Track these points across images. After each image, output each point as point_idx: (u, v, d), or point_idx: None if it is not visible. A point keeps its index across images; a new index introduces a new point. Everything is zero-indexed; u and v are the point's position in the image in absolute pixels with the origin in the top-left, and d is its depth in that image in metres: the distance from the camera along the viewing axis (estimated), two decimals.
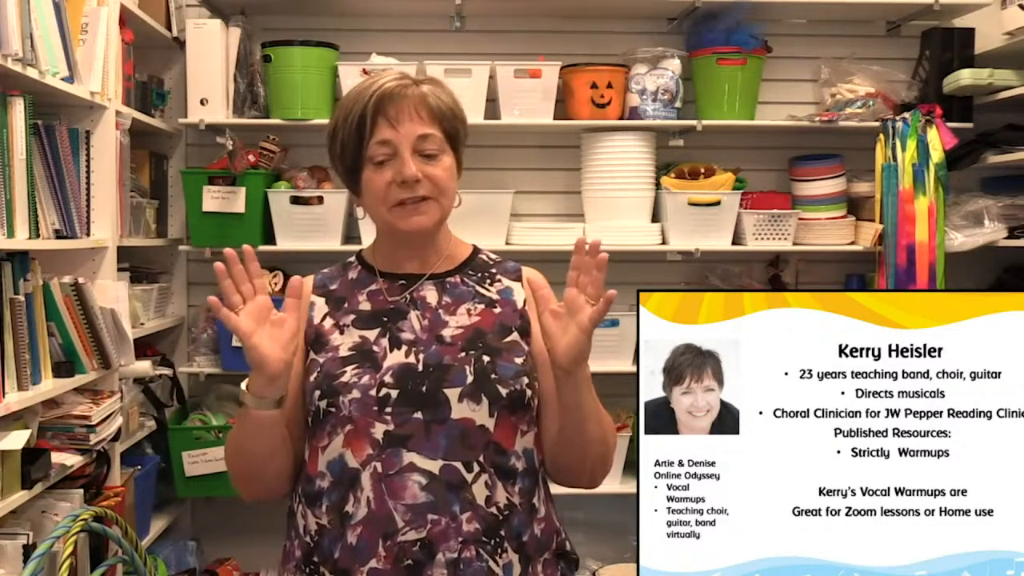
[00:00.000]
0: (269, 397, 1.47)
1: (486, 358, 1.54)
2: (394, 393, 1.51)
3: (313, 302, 1.63)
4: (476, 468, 1.51)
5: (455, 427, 1.50)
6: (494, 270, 1.67)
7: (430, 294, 1.61)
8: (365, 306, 1.61)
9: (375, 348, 1.56)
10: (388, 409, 1.50)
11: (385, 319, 1.58)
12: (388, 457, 1.49)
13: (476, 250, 1.71)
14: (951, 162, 3.20)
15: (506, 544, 1.52)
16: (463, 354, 1.54)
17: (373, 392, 1.51)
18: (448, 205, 1.59)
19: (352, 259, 1.70)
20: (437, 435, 1.50)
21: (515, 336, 1.58)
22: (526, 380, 1.55)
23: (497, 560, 1.51)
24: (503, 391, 1.52)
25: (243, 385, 1.48)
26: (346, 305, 1.62)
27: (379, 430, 1.50)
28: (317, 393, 1.53)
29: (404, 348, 1.55)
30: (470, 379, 1.52)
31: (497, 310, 1.60)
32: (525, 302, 1.63)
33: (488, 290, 1.63)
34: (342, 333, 1.58)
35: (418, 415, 1.50)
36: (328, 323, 1.60)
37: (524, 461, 1.57)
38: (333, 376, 1.53)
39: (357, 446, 1.51)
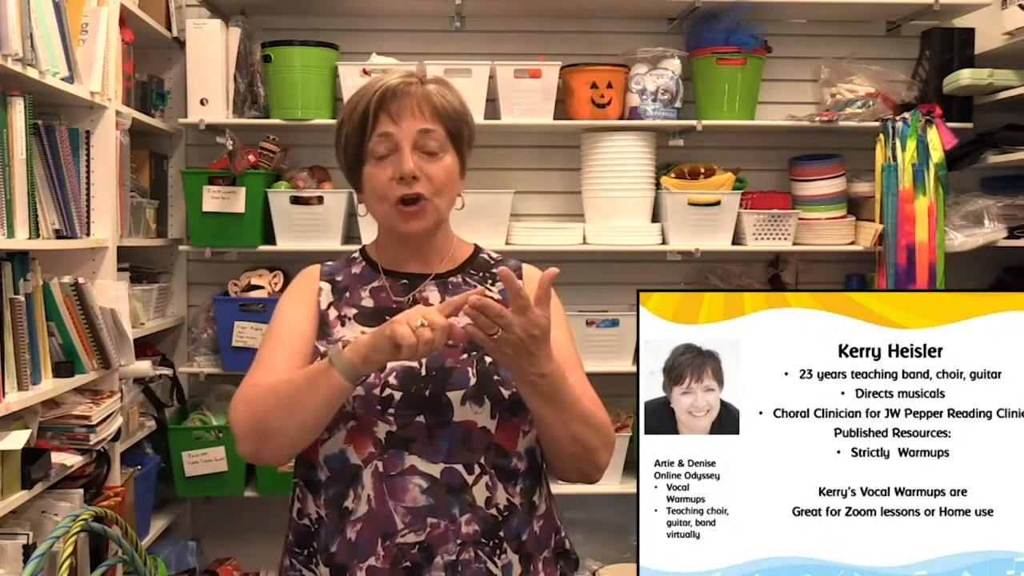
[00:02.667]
0: (372, 370, 1.44)
1: (488, 359, 1.53)
2: (397, 395, 1.51)
3: (320, 287, 1.64)
4: (477, 470, 1.51)
5: (457, 429, 1.50)
6: (495, 269, 1.67)
7: (433, 295, 1.61)
8: (368, 302, 1.61)
9: None
10: (391, 410, 1.50)
11: (387, 318, 1.57)
12: (390, 458, 1.50)
13: (477, 249, 1.71)
14: (951, 162, 3.20)
15: (505, 545, 1.52)
16: (465, 355, 1.54)
17: (376, 391, 1.50)
18: (445, 206, 1.59)
19: (356, 254, 1.70)
20: (439, 438, 1.50)
21: None
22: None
23: (496, 561, 1.51)
24: (505, 393, 1.52)
25: (341, 346, 1.43)
26: (348, 296, 1.62)
27: (382, 429, 1.50)
28: None
29: None
30: (473, 381, 1.52)
31: None
32: None
33: (490, 290, 1.63)
34: (343, 325, 1.59)
35: (420, 418, 1.50)
36: (332, 313, 1.61)
37: (526, 461, 1.57)
38: None
39: (360, 443, 1.51)
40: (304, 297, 1.63)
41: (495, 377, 1.53)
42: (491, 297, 1.60)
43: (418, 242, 1.62)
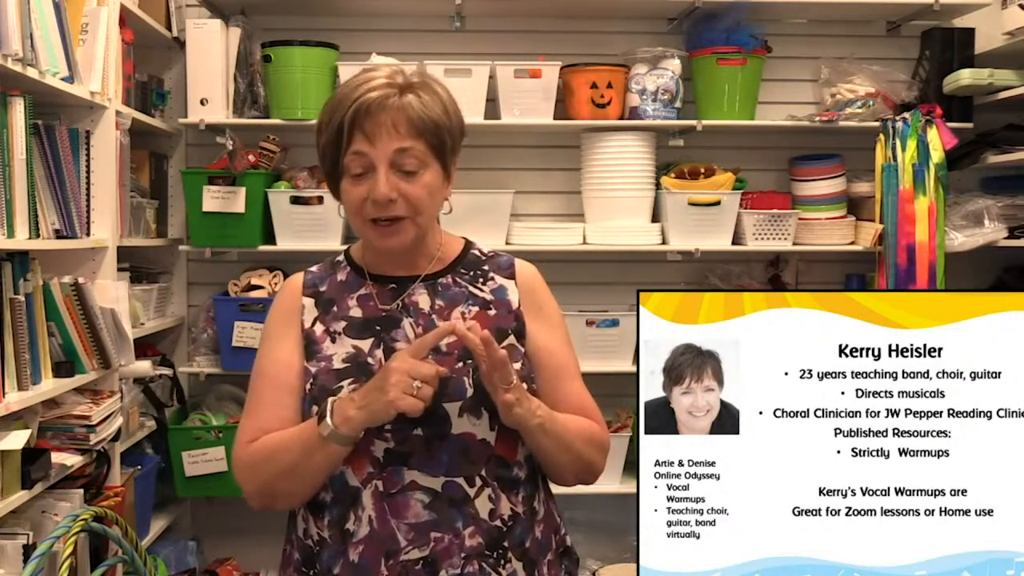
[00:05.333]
0: (358, 435, 1.46)
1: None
2: None
3: (303, 304, 1.59)
4: (479, 482, 1.50)
5: (456, 442, 1.48)
6: (486, 267, 1.63)
7: (422, 299, 1.57)
8: (356, 312, 1.57)
9: (370, 360, 1.52)
10: (387, 426, 1.47)
11: (378, 328, 1.55)
12: (389, 475, 1.48)
13: (468, 245, 1.66)
14: (951, 162, 3.20)
15: (509, 554, 1.52)
16: (460, 364, 1.51)
17: None
18: (425, 223, 1.54)
19: (340, 258, 1.65)
20: (438, 451, 1.48)
21: (511, 339, 1.56)
22: (525, 387, 1.52)
23: (500, 571, 1.51)
24: None
25: (329, 422, 1.43)
26: (335, 309, 1.58)
27: (379, 448, 1.48)
28: (315, 409, 1.50)
29: None
30: (470, 392, 1.49)
31: (492, 312, 1.57)
32: (520, 302, 1.60)
33: (481, 290, 1.60)
34: (334, 341, 1.55)
35: (418, 431, 1.48)
36: (319, 329, 1.57)
37: (526, 469, 1.56)
38: (329, 391, 1.50)
39: (357, 465, 1.49)
40: (287, 320, 1.59)
41: None
42: (484, 299, 1.60)
43: (401, 254, 1.57)
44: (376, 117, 1.47)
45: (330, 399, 1.46)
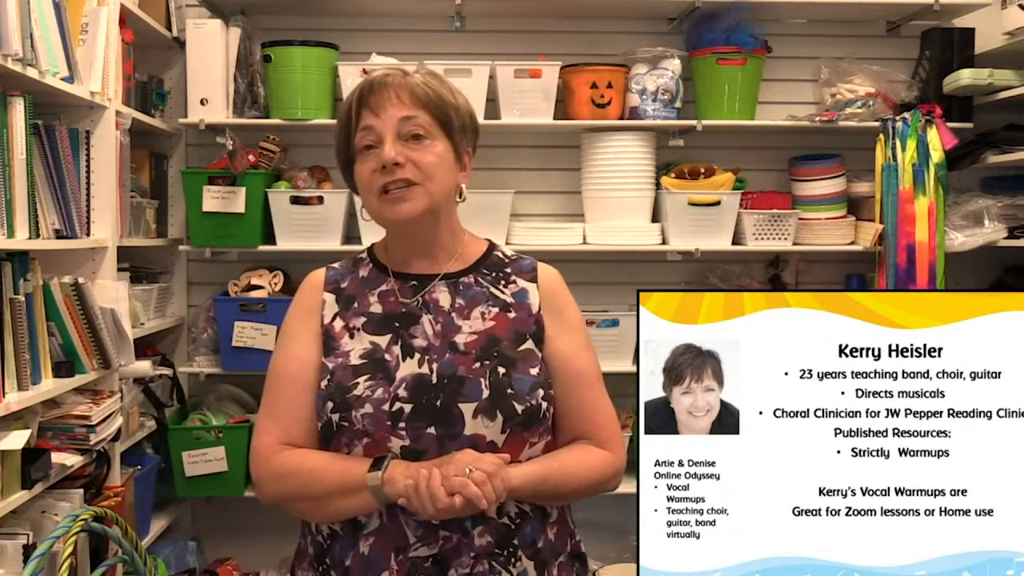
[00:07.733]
0: (393, 500, 1.47)
1: (501, 370, 1.51)
2: (407, 408, 1.48)
3: (324, 300, 1.60)
4: None
5: (466, 442, 1.48)
6: (509, 269, 1.63)
7: (443, 296, 1.57)
8: (376, 308, 1.57)
9: (387, 357, 1.52)
10: (402, 424, 1.48)
11: (397, 324, 1.55)
12: None
13: (491, 247, 1.67)
14: (951, 162, 3.20)
15: (520, 553, 1.52)
16: (477, 364, 1.51)
17: (386, 407, 1.48)
18: (438, 192, 1.54)
19: (363, 255, 1.66)
20: (449, 451, 1.48)
21: (530, 344, 1.56)
22: (541, 393, 1.53)
23: (511, 570, 1.51)
24: (519, 407, 1.50)
25: (380, 474, 1.44)
26: (356, 305, 1.58)
27: (396, 445, 1.48)
28: (330, 405, 1.50)
29: (417, 357, 1.52)
30: (486, 394, 1.49)
31: (512, 315, 1.57)
32: (540, 305, 1.60)
33: (503, 292, 1.59)
34: (352, 337, 1.55)
35: (431, 430, 1.48)
36: (338, 324, 1.57)
37: None
38: (345, 388, 1.50)
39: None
40: (307, 316, 1.60)
41: (508, 390, 1.50)
42: (505, 301, 1.60)
43: (419, 236, 1.58)
44: (380, 92, 1.53)
45: (390, 455, 1.47)
